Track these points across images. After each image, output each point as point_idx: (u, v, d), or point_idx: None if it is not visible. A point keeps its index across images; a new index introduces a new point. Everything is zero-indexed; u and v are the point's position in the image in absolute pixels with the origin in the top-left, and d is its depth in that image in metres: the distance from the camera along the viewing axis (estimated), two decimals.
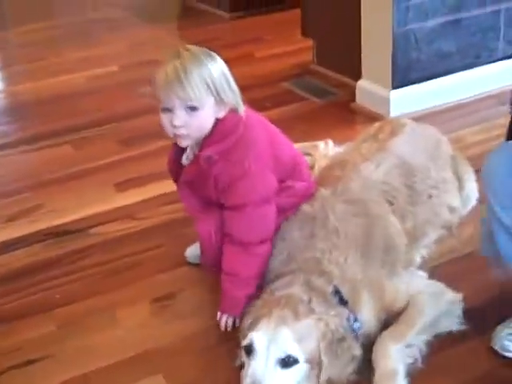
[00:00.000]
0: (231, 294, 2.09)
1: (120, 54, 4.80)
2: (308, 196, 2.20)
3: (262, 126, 2.17)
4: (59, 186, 3.09)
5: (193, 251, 2.44)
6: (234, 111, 2.05)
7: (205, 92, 1.96)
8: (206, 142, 2.05)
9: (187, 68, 1.95)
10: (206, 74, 1.97)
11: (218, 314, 2.14)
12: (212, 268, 2.24)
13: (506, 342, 1.92)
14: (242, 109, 2.08)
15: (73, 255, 2.56)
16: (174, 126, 1.99)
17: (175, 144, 2.14)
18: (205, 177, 2.06)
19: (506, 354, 1.92)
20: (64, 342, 2.14)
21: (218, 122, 2.04)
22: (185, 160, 2.15)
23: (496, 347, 1.93)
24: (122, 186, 3.04)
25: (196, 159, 2.08)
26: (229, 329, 2.11)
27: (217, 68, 2.01)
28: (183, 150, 2.16)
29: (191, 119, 1.98)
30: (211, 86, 1.97)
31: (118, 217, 2.78)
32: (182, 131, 2.01)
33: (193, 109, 1.97)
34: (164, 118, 2.01)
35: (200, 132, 2.03)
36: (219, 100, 2.00)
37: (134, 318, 2.23)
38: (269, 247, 2.09)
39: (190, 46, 2.05)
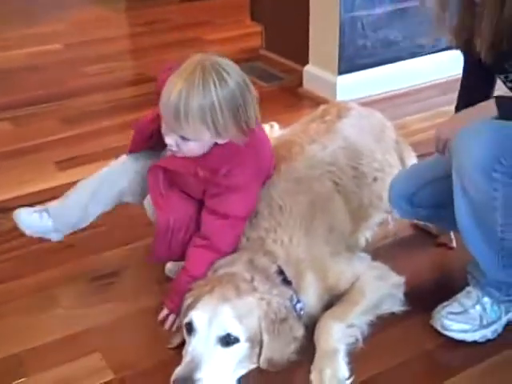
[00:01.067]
0: (201, 260, 1.99)
1: (65, 33, 4.71)
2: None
3: (267, 144, 2.13)
4: None
5: (174, 266, 2.24)
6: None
7: (200, 128, 1.84)
8: (204, 159, 1.96)
9: (189, 100, 1.80)
10: (207, 107, 1.81)
11: (163, 312, 2.03)
12: (159, 260, 2.18)
13: (446, 321, 1.94)
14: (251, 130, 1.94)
15: (10, 232, 2.48)
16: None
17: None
18: (193, 175, 1.98)
19: (446, 333, 1.95)
20: None
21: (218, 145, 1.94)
22: (174, 146, 1.95)
23: (437, 326, 1.96)
24: (64, 165, 2.97)
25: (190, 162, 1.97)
26: (173, 329, 2.00)
27: (224, 95, 1.83)
28: None
29: (183, 145, 1.90)
30: (209, 122, 1.83)
31: (58, 195, 2.68)
32: (174, 149, 1.94)
33: (185, 139, 1.89)
34: (162, 124, 1.93)
35: (193, 153, 1.94)
36: (217, 134, 1.88)
37: (73, 296, 2.18)
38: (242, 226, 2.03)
39: (210, 58, 1.88)
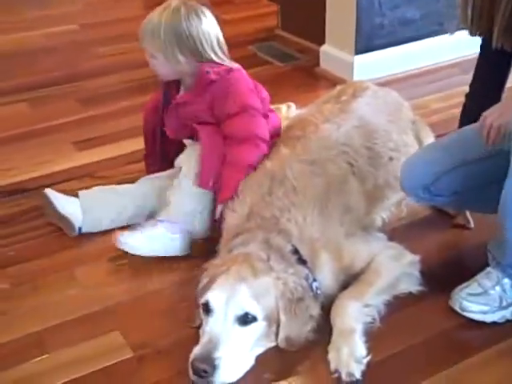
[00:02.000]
0: (232, 181, 2.16)
1: (80, 14, 4.71)
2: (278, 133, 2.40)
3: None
4: (15, 144, 3.02)
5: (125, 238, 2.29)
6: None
7: (154, 46, 2.29)
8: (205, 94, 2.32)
9: (152, 22, 2.29)
10: (162, 32, 2.26)
11: (219, 207, 2.18)
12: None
13: (466, 303, 1.94)
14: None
15: (29, 213, 2.51)
16: None
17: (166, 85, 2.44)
18: (200, 97, 2.29)
19: (466, 314, 1.94)
20: (18, 299, 2.11)
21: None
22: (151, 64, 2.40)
23: (456, 307, 1.95)
24: (81, 145, 2.98)
25: (195, 86, 2.33)
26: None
27: (171, 22, 2.26)
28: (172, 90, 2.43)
29: (153, 63, 2.35)
30: (160, 42, 2.27)
31: (76, 175, 2.73)
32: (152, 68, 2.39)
33: (153, 56, 2.32)
34: None
35: (163, 74, 2.38)
36: (165, 57, 2.29)
37: (91, 276, 2.20)
38: (266, 149, 2.26)
39: (184, 2, 2.30)
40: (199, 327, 1.85)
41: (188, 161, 2.30)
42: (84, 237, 2.38)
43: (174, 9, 2.27)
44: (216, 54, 2.32)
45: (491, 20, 1.88)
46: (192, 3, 2.31)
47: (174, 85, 2.44)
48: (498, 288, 1.93)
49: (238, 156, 2.21)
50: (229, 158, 2.22)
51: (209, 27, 2.30)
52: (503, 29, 1.80)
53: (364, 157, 2.25)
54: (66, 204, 2.36)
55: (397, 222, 2.37)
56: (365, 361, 1.78)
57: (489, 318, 1.92)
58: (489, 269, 1.97)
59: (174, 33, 2.26)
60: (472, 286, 1.96)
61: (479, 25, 1.97)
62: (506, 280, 1.93)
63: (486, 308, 1.92)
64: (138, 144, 2.74)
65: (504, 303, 1.93)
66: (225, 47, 2.37)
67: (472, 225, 2.31)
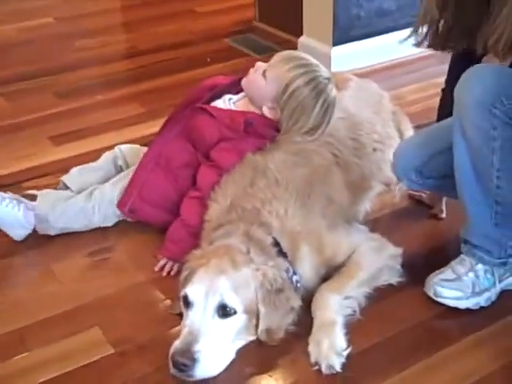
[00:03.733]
0: (181, 238, 2.13)
1: (56, 7, 4.65)
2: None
3: None
4: None
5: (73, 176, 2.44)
6: None
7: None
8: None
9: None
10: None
11: (160, 262, 2.15)
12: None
13: (439, 288, 1.96)
14: None
15: None
16: None
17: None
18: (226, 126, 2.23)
19: (439, 300, 1.96)
20: None
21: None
22: (229, 104, 2.35)
23: (430, 293, 1.98)
24: (58, 140, 2.95)
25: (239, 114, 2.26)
26: (172, 273, 2.13)
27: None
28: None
29: (258, 81, 2.30)
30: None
31: (52, 171, 2.69)
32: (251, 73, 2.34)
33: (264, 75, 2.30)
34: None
35: (254, 86, 2.30)
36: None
37: (70, 272, 2.18)
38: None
39: None
40: (180, 315, 1.84)
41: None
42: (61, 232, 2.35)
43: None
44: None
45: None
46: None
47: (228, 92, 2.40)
48: (471, 274, 1.96)
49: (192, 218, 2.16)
50: (186, 214, 2.18)
51: None
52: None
53: (349, 148, 2.26)
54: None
55: (377, 213, 2.38)
56: (345, 353, 1.78)
57: (462, 305, 1.95)
58: (462, 256, 2.00)
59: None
60: (446, 273, 1.98)
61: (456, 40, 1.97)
62: (480, 266, 1.96)
63: (459, 294, 1.94)
64: (115, 138, 2.73)
65: (477, 289, 1.95)
66: None
67: (444, 215, 2.34)
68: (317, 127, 2.22)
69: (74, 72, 3.64)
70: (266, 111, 2.27)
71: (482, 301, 1.95)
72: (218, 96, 2.39)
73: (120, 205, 2.28)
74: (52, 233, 2.31)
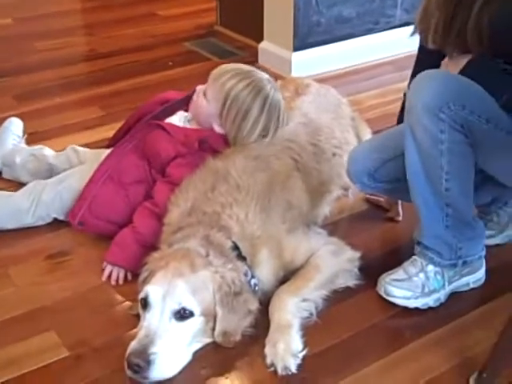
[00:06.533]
0: (128, 244, 2.12)
1: (14, 7, 4.59)
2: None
3: None
4: None
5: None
6: None
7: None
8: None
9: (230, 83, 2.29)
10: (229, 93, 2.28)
11: (106, 269, 2.13)
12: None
13: (390, 287, 2.00)
14: None
15: None
16: None
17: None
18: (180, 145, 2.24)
19: (389, 299, 2.00)
20: None
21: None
22: (184, 122, 2.38)
23: (381, 292, 2.02)
24: None
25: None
26: (120, 282, 2.11)
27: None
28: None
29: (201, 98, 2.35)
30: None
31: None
32: (194, 98, 2.39)
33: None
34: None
35: (199, 110, 2.35)
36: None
37: (27, 275, 2.16)
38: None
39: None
40: (139, 317, 1.84)
41: (94, 160, 2.35)
42: (19, 234, 2.32)
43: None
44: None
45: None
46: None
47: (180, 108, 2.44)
48: (421, 275, 2.00)
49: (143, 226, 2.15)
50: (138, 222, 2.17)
51: None
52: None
53: (309, 153, 2.28)
54: None
55: (336, 217, 2.41)
56: (301, 355, 1.80)
57: (411, 304, 1.99)
58: (414, 257, 2.04)
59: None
60: (397, 273, 2.02)
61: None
62: (430, 267, 2.00)
63: (408, 294, 1.98)
64: (74, 140, 2.71)
65: (426, 290, 1.99)
66: None
67: (400, 218, 2.39)
68: (265, 129, 2.24)
69: (33, 73, 3.60)
70: (217, 129, 2.30)
71: (430, 301, 2.00)
72: (171, 112, 2.42)
73: (70, 216, 2.27)
74: None
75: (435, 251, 1.99)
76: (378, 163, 2.06)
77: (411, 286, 1.99)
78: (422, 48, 2.11)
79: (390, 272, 2.04)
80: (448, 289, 2.03)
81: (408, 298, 1.99)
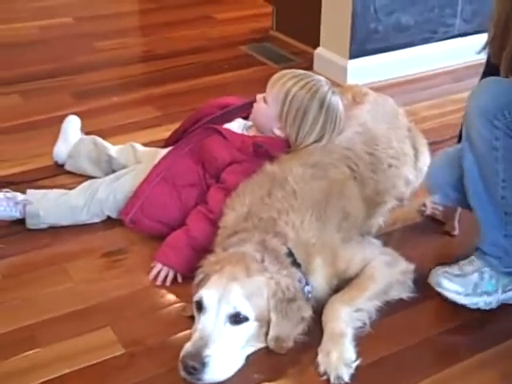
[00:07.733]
0: (180, 246, 2.14)
1: (75, 7, 4.68)
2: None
3: None
4: (5, 136, 3.00)
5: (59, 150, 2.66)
6: None
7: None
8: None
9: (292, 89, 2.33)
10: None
11: (155, 268, 2.15)
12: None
13: (442, 279, 2.00)
14: None
15: None
16: None
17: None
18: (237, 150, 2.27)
19: (439, 290, 2.00)
20: (9, 292, 2.10)
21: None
22: (243, 129, 2.42)
23: (431, 282, 2.02)
24: None
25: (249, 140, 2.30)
26: (167, 283, 2.13)
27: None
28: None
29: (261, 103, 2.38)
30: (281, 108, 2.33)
31: (66, 170, 2.72)
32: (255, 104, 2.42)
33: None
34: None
35: (259, 114, 2.38)
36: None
37: (84, 271, 2.20)
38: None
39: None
40: (191, 318, 1.86)
41: (150, 160, 2.39)
42: (73, 231, 2.37)
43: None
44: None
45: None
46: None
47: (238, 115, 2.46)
48: (476, 275, 1.99)
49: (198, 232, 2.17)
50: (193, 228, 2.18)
51: None
52: None
53: (365, 162, 2.27)
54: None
55: (390, 228, 2.39)
56: (354, 365, 1.79)
57: (460, 300, 1.99)
58: (472, 257, 2.03)
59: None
60: (453, 268, 2.02)
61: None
62: (486, 270, 1.99)
63: (460, 289, 1.98)
64: (129, 140, 2.74)
65: (478, 290, 1.98)
66: None
67: (457, 232, 2.36)
68: (323, 128, 2.26)
69: (91, 73, 3.66)
70: (278, 132, 2.32)
71: (481, 302, 1.99)
72: (229, 117, 2.43)
73: (122, 213, 2.31)
74: (42, 227, 2.35)
75: (494, 256, 1.98)
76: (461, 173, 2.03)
77: (464, 283, 1.98)
78: (488, 62, 2.08)
79: (445, 266, 2.03)
80: (501, 297, 2.00)
81: (459, 293, 1.98)
